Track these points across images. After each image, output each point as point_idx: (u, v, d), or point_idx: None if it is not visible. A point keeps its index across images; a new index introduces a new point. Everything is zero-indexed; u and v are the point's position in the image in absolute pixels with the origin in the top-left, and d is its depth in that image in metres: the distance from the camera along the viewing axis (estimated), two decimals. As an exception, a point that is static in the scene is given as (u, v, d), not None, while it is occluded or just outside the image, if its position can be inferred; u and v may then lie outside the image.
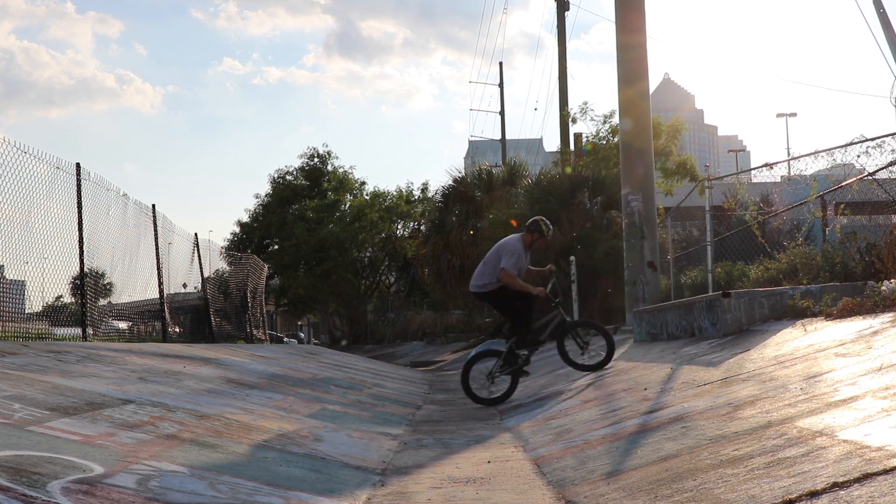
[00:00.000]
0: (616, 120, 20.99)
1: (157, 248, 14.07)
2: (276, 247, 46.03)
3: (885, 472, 2.58)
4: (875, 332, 5.16)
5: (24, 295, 10.28)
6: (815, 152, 10.04)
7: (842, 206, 9.54)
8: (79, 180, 10.59)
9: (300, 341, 43.14)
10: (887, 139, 8.67)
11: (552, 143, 40.74)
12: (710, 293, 9.73)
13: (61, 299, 10.96)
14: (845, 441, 3.05)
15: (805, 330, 6.32)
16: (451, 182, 26.04)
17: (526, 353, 8.48)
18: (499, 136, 42.59)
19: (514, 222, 21.44)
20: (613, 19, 13.48)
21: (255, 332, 20.07)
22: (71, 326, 10.71)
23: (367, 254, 47.72)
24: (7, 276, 9.53)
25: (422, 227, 28.09)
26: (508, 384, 8.43)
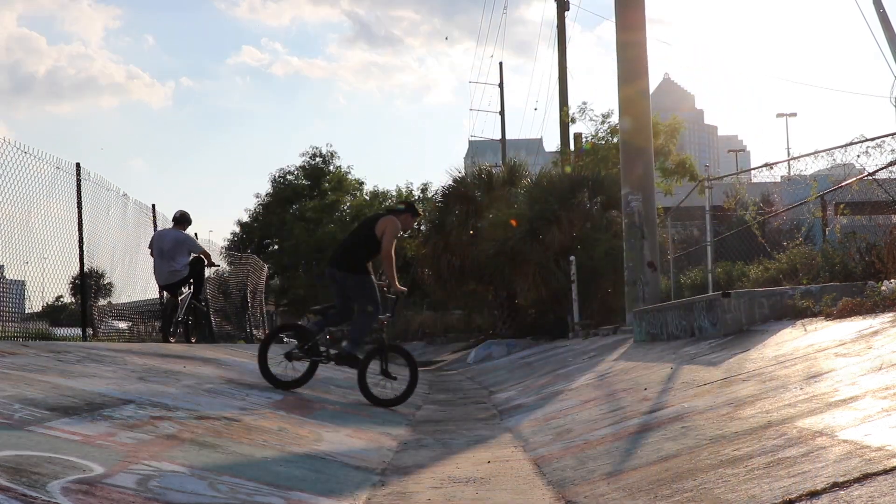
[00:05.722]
0: (615, 119, 21.02)
1: (157, 248, 14.06)
2: (276, 247, 46.04)
3: (885, 472, 2.57)
4: (875, 332, 5.16)
5: (24, 295, 10.29)
6: (815, 152, 10.04)
7: (842, 206, 9.55)
8: (79, 180, 10.61)
9: (300, 341, 42.98)
10: (887, 139, 8.67)
11: (552, 143, 40.72)
12: (710, 293, 9.73)
13: (61, 299, 10.97)
14: (845, 441, 3.05)
15: (805, 330, 6.33)
16: (451, 182, 26.01)
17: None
18: (499, 136, 42.63)
19: (513, 222, 21.45)
20: (614, 18, 13.50)
21: (255, 332, 20.07)
22: (71, 326, 10.72)
23: (367, 254, 47.64)
24: (7, 276, 9.54)
25: (422, 227, 28.01)
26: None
